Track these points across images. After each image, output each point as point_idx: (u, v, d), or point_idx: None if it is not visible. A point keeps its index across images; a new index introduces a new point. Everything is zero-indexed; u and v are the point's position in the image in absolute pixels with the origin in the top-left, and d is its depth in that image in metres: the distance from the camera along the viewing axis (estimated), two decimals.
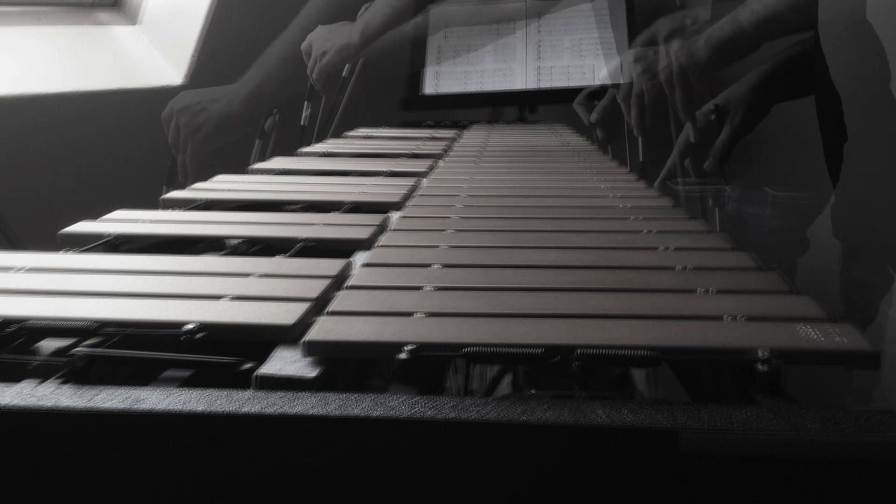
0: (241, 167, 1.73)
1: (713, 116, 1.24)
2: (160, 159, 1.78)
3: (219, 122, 1.74)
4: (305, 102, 1.66)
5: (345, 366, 0.42)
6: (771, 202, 1.34)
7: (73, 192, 1.64)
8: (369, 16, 1.59)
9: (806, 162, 1.19)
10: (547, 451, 0.32)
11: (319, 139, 1.62)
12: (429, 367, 0.42)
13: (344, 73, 1.67)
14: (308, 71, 1.63)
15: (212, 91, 1.79)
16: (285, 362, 0.39)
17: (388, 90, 1.74)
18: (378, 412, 0.33)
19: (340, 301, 0.47)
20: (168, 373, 0.42)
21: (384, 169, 1.03)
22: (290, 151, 1.61)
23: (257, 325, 0.43)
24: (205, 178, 0.85)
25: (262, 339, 0.42)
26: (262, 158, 1.76)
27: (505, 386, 0.63)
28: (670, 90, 1.13)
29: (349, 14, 1.70)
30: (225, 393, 0.34)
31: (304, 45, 1.64)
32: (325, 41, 1.61)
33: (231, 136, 1.75)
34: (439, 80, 1.75)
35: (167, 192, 0.77)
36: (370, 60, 1.66)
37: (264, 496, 0.33)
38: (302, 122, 1.67)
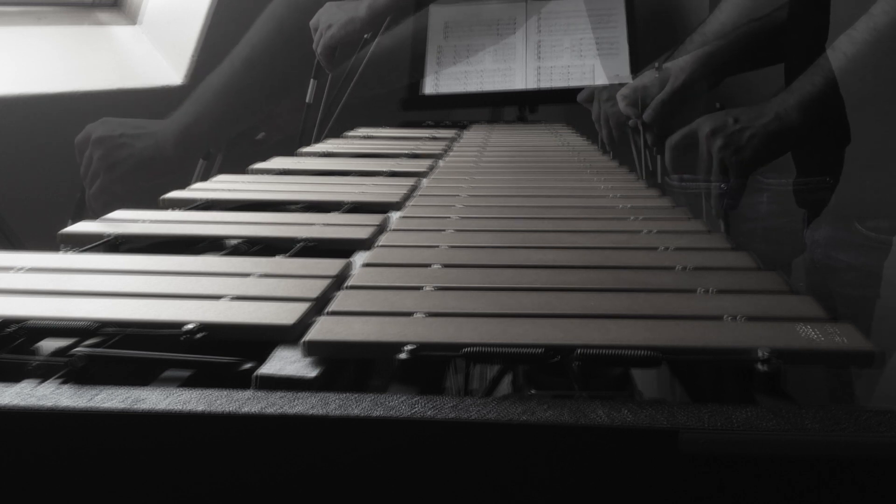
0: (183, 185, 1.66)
1: (656, 75, 1.33)
2: (143, 199, 1.74)
3: (141, 162, 1.53)
4: (311, 80, 1.61)
5: (345, 366, 0.42)
6: (764, 190, 1.36)
7: (73, 192, 1.64)
8: None
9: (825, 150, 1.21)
10: (547, 451, 0.32)
11: (325, 117, 1.58)
12: (429, 367, 0.42)
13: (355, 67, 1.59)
14: (314, 46, 1.57)
15: (137, 123, 1.58)
16: (285, 362, 0.39)
17: (388, 90, 1.73)
18: (378, 412, 0.33)
19: (340, 301, 0.47)
20: (168, 373, 0.42)
21: (384, 169, 1.03)
22: (296, 137, 1.55)
23: (257, 325, 0.43)
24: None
25: (262, 339, 0.42)
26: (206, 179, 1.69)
27: (505, 386, 0.63)
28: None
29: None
30: (225, 393, 0.34)
31: (312, 22, 1.58)
32: (331, 15, 1.57)
33: (153, 178, 1.55)
34: (439, 80, 1.76)
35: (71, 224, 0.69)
36: (375, 59, 1.61)
37: (264, 496, 0.33)
38: (307, 100, 1.60)
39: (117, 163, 1.53)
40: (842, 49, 1.03)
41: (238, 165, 1.15)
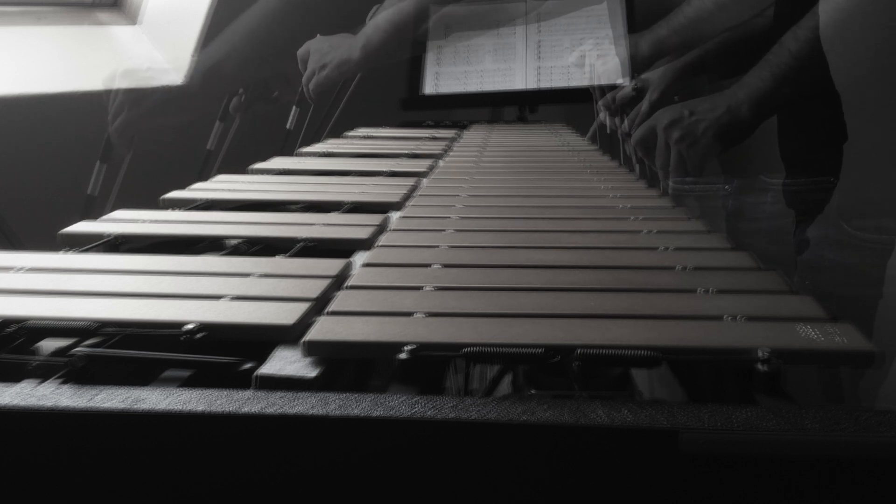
0: (198, 149, 1.65)
1: (634, 93, 1.36)
2: (159, 159, 1.77)
3: (166, 97, 1.52)
4: (294, 108, 1.62)
5: (345, 366, 0.42)
6: (768, 189, 1.37)
7: (73, 192, 1.64)
8: (370, 31, 1.56)
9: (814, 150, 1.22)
10: (547, 451, 0.32)
11: (304, 146, 1.59)
12: (429, 367, 0.42)
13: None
14: (304, 81, 1.58)
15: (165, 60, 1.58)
16: (285, 362, 0.39)
17: (389, 90, 1.73)
18: (378, 412, 0.33)
19: (340, 301, 0.47)
20: (168, 373, 0.42)
21: (384, 169, 1.03)
22: (271, 154, 1.57)
23: (257, 325, 0.43)
24: (140, 160, 0.75)
25: (262, 339, 0.42)
26: (223, 142, 1.64)
27: (505, 386, 0.63)
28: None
29: None
30: (225, 393, 0.34)
31: (300, 52, 1.58)
32: (324, 54, 1.56)
33: (178, 116, 1.53)
34: (439, 80, 1.75)
35: (100, 169, 0.66)
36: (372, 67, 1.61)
37: (264, 496, 0.33)
38: (288, 126, 1.61)
39: (143, 96, 1.50)
40: (787, 46, 1.06)
41: (255, 127, 1.13)
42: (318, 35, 1.60)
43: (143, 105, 1.50)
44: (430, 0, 1.62)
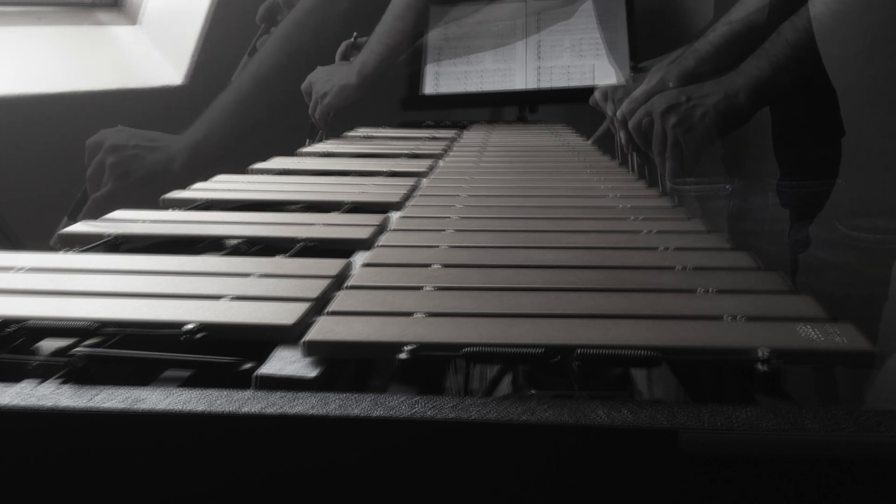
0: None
1: (632, 74, 1.37)
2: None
3: (150, 175, 1.61)
4: (307, 140, 1.68)
5: (345, 366, 0.42)
6: (775, 190, 1.37)
7: (73, 191, 1.64)
8: (364, 56, 1.62)
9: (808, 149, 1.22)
10: (547, 451, 0.32)
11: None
12: (429, 367, 0.42)
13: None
14: (310, 111, 1.66)
15: (150, 136, 1.65)
16: (285, 362, 0.39)
17: (389, 90, 1.74)
18: (378, 412, 0.33)
19: (340, 301, 0.47)
20: (168, 373, 0.42)
21: (384, 169, 1.03)
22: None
23: (257, 325, 0.43)
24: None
25: (262, 339, 0.42)
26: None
27: (505, 386, 0.63)
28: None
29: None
30: (225, 393, 0.34)
31: (304, 86, 1.66)
32: (325, 82, 1.64)
33: (157, 192, 1.70)
34: (439, 80, 1.75)
35: (66, 224, 0.72)
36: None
37: (264, 496, 0.33)
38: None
39: (128, 172, 1.59)
40: (785, 35, 1.07)
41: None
42: (318, 67, 1.68)
43: (128, 180, 1.58)
44: (421, 18, 1.67)
